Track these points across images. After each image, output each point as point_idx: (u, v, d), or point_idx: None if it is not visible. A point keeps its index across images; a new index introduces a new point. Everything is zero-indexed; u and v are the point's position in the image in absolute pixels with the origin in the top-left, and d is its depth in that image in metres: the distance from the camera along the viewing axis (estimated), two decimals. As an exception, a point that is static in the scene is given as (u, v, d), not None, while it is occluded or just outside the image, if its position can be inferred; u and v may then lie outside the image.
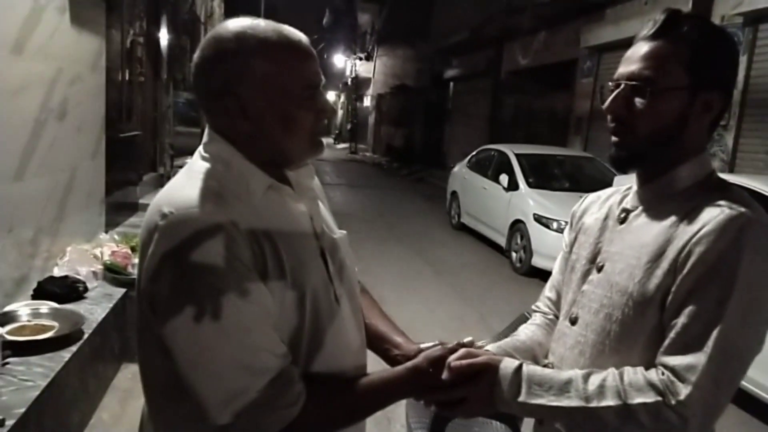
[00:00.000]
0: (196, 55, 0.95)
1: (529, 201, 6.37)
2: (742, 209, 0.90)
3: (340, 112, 34.08)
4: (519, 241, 6.35)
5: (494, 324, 4.65)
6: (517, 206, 6.54)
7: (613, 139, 1.03)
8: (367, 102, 27.73)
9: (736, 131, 6.30)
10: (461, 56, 15.47)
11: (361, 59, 25.81)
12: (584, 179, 7.02)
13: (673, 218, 0.97)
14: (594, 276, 1.08)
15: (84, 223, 3.67)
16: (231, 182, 0.91)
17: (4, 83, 2.55)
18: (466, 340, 1.11)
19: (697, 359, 0.86)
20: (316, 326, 0.95)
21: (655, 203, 1.02)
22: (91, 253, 3.35)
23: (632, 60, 0.99)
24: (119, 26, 4.40)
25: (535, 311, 1.31)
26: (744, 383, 4.20)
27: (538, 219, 6.02)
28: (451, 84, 17.37)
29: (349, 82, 28.49)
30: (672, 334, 0.90)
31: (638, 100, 0.97)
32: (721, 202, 0.92)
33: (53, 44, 2.98)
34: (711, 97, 0.97)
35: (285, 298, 0.90)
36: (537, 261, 5.93)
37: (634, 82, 0.97)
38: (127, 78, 4.87)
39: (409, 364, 1.00)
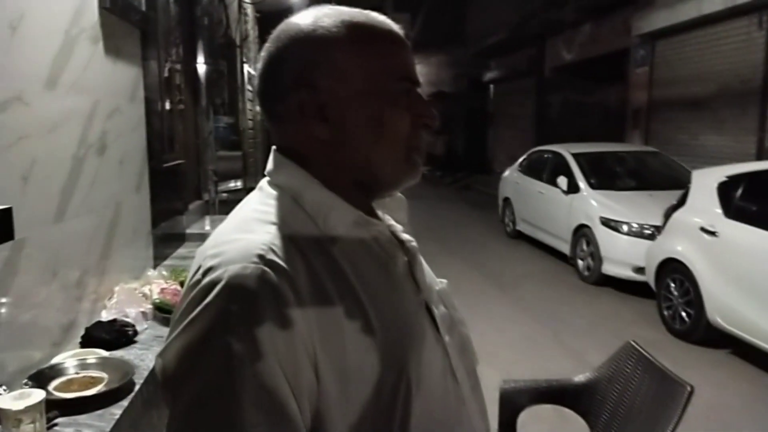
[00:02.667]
0: (263, 54, 0.72)
1: (593, 203, 5.92)
2: None
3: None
4: (585, 247, 5.90)
5: (569, 341, 4.26)
6: (579, 210, 6.09)
7: None
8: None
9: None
10: (500, 57, 15.08)
11: (396, 70, 25.66)
12: (651, 176, 6.53)
13: None
14: None
15: (131, 258, 3.53)
16: (302, 222, 0.66)
17: (38, 121, 2.40)
18: None
19: None
20: (430, 420, 0.66)
21: None
22: (139, 291, 3.18)
23: None
24: (156, 55, 4.30)
25: None
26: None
27: (606, 222, 5.57)
28: (491, 86, 16.98)
29: (386, 94, 28.36)
30: None
31: None
32: None
33: (88, 77, 2.84)
34: None
35: (380, 382, 0.62)
36: (608, 268, 5.47)
37: None
38: (167, 107, 4.78)
39: None
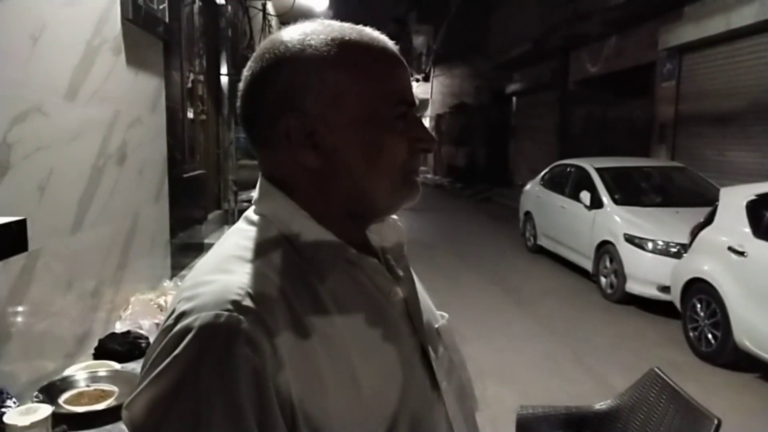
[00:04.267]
0: (245, 73, 0.67)
1: (617, 219, 5.79)
2: None
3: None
4: (608, 264, 5.76)
5: (590, 362, 4.14)
6: (603, 226, 5.96)
7: None
8: (426, 123, 27.55)
9: None
10: (523, 69, 14.99)
11: (418, 81, 25.75)
12: (677, 192, 6.37)
13: None
14: None
15: (149, 268, 3.54)
16: (287, 259, 0.61)
17: (57, 131, 2.41)
18: None
19: None
20: None
21: None
22: (154, 303, 3.17)
23: None
24: (179, 65, 4.34)
25: None
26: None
27: (630, 239, 5.43)
28: (514, 99, 16.87)
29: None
30: None
31: None
32: None
33: (109, 87, 2.86)
34: None
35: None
36: (632, 287, 5.33)
37: None
38: (189, 117, 4.82)
39: None
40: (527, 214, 8.26)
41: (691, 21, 8.03)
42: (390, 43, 0.67)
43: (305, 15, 8.29)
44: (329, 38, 0.63)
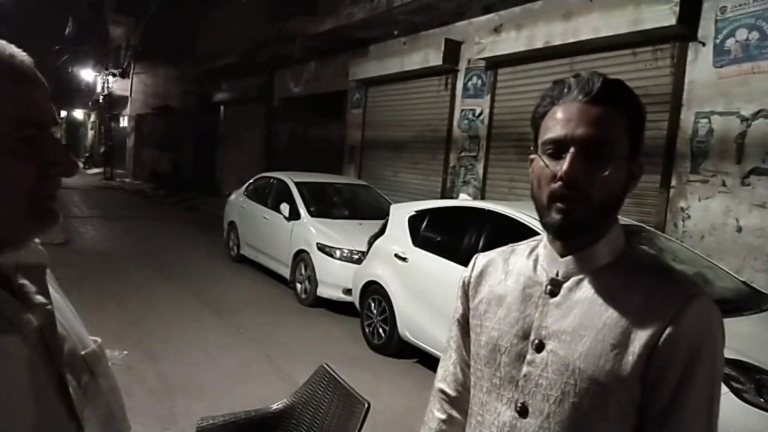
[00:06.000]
0: None
1: (312, 230, 6.32)
2: (701, 292, 0.90)
3: (90, 133, 30.43)
4: (303, 271, 6.24)
5: (282, 364, 4.41)
6: (300, 236, 6.43)
7: (560, 206, 0.90)
8: (125, 122, 25.10)
9: (485, 162, 7.23)
10: (232, 80, 15.03)
11: (114, 75, 23.30)
12: (361, 207, 7.28)
13: (626, 295, 0.91)
14: (535, 356, 0.95)
15: None
16: None
17: None
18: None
19: None
20: None
21: (591, 274, 0.94)
22: None
23: (579, 122, 0.89)
24: None
25: (442, 397, 1.14)
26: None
27: (322, 248, 5.99)
28: (222, 108, 16.76)
29: (101, 100, 25.46)
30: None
31: (596, 166, 0.89)
32: (678, 283, 0.91)
33: None
34: (639, 165, 0.94)
35: None
36: (322, 291, 5.88)
37: (591, 147, 0.88)
38: None
39: None
40: (231, 223, 8.32)
41: (375, 59, 9.33)
42: (19, 58, 0.62)
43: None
44: None
